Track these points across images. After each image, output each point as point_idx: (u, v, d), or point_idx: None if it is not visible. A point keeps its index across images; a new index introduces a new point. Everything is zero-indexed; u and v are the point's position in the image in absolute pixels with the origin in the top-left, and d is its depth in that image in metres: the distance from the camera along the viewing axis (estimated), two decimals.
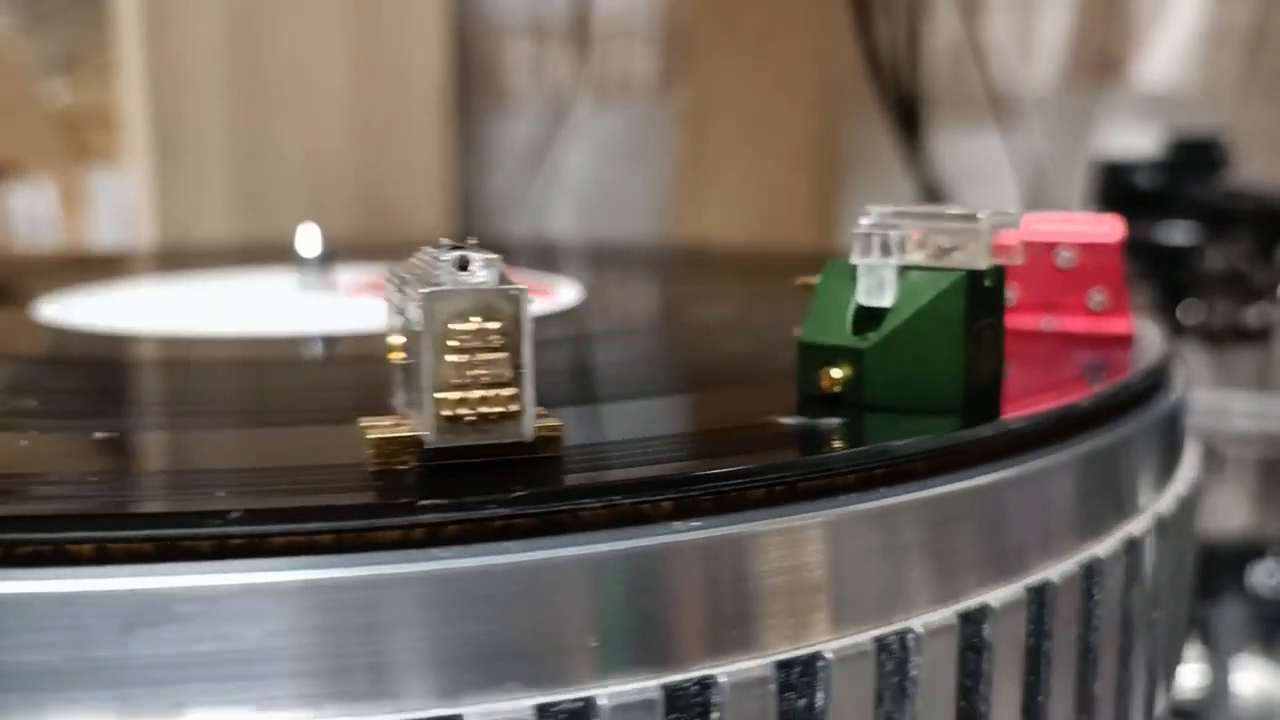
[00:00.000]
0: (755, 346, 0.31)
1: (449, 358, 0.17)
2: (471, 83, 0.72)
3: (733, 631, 0.18)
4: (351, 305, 0.36)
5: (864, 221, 0.22)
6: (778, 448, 0.21)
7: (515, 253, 0.56)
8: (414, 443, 0.18)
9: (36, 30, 0.58)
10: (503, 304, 0.17)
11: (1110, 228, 0.28)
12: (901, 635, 0.19)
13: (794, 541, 0.18)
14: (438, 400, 0.17)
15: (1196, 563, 0.29)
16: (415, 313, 0.17)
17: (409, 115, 0.65)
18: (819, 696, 0.18)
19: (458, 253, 0.17)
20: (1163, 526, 0.24)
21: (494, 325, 0.17)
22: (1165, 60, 0.61)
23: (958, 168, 0.62)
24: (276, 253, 0.40)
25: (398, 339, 0.19)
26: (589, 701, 0.17)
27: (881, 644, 0.19)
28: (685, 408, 0.25)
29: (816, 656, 0.18)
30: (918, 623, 0.19)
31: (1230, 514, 0.52)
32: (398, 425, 0.18)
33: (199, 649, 0.16)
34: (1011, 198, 0.61)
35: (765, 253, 0.55)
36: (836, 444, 0.21)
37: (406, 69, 0.65)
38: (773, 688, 0.18)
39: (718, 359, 0.30)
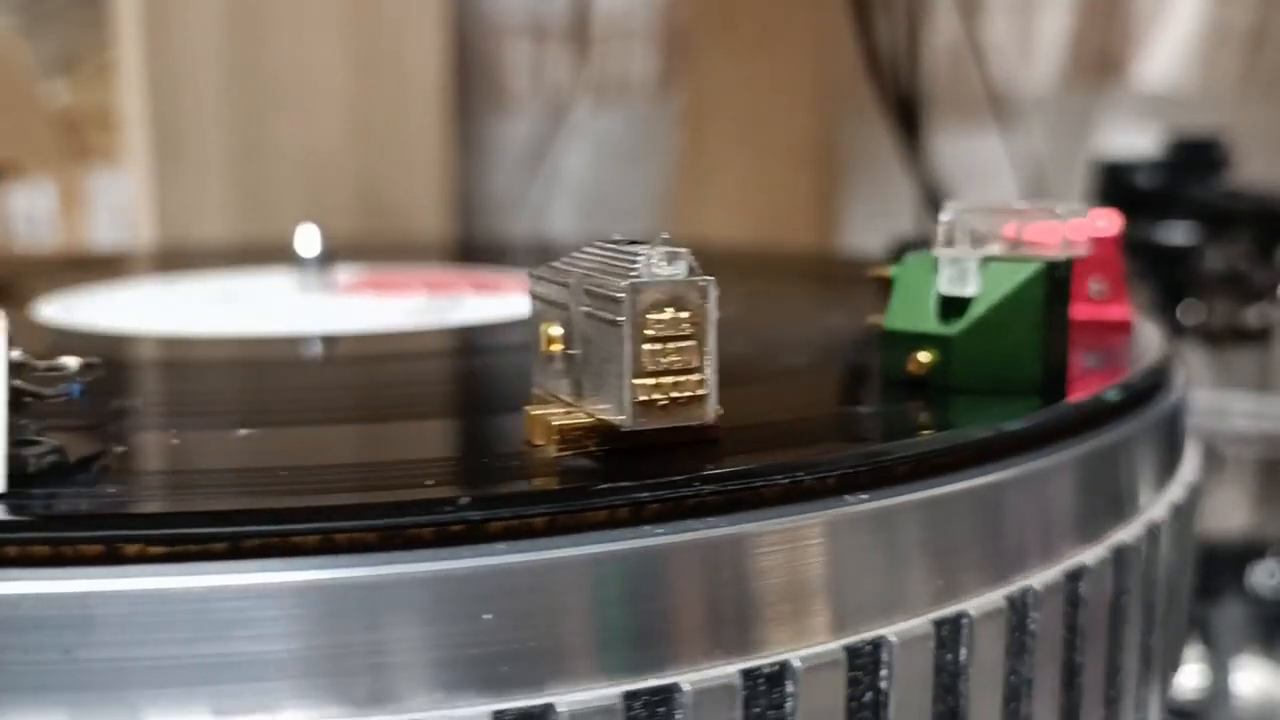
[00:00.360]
0: (755, 346, 0.31)
1: (645, 346, 0.18)
2: (471, 83, 0.72)
3: (731, 632, 0.18)
4: (351, 305, 0.36)
5: (946, 216, 0.24)
6: (778, 448, 0.21)
7: (514, 253, 0.56)
8: (604, 426, 0.19)
9: (36, 31, 0.58)
10: (693, 295, 0.18)
11: (1109, 222, 0.30)
12: (901, 637, 0.19)
13: (793, 542, 0.18)
14: (635, 386, 0.18)
15: (1196, 563, 0.29)
16: (603, 305, 0.18)
17: (408, 115, 0.65)
18: (818, 698, 0.18)
19: (662, 247, 0.19)
20: (1163, 527, 0.24)
21: (685, 315, 0.18)
22: (1165, 60, 0.61)
23: (957, 168, 0.62)
24: (276, 253, 0.40)
25: (556, 330, 0.19)
26: (610, 702, 0.17)
27: (878, 646, 0.19)
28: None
29: (816, 657, 0.18)
30: (916, 624, 0.19)
31: (1230, 514, 0.52)
32: (573, 412, 0.19)
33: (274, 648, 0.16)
34: (1011, 198, 0.61)
35: (765, 253, 0.55)
36: (836, 445, 0.21)
37: (406, 69, 0.65)
38: (772, 688, 0.18)
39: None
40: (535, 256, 0.51)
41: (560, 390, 0.20)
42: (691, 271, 0.18)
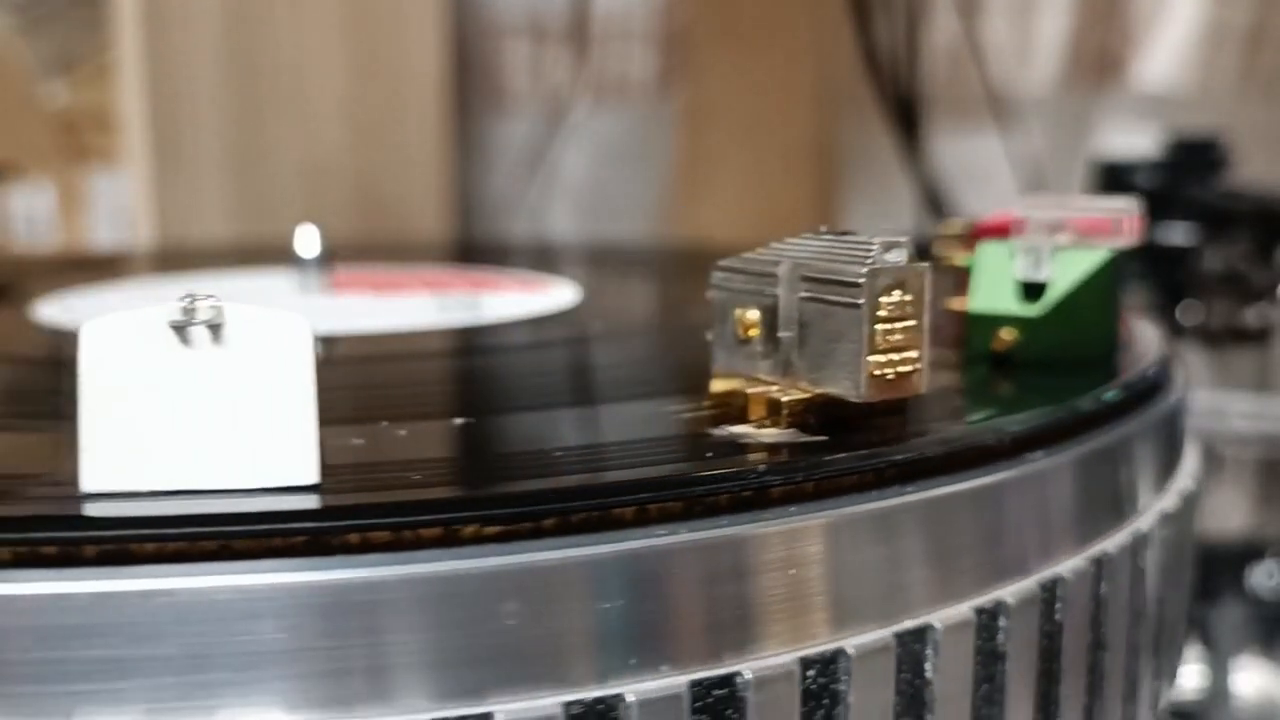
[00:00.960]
0: None
1: (878, 326, 0.20)
2: (470, 83, 0.72)
3: (730, 632, 0.18)
4: (350, 306, 0.36)
5: (1020, 210, 0.27)
6: (778, 448, 0.20)
7: (513, 253, 0.56)
8: (823, 400, 0.21)
9: (35, 31, 0.58)
10: (915, 279, 0.20)
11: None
12: (897, 638, 0.19)
13: (793, 543, 0.18)
14: (870, 363, 0.20)
15: (1196, 564, 0.29)
16: (835, 290, 0.20)
17: (407, 116, 0.65)
18: (823, 699, 0.18)
19: (882, 236, 0.20)
20: (1162, 528, 0.24)
21: (908, 298, 0.20)
22: (1164, 61, 0.61)
23: (956, 168, 0.62)
24: (275, 254, 0.40)
25: (753, 315, 0.21)
26: (609, 700, 0.17)
27: (875, 648, 0.19)
28: (684, 408, 0.25)
29: (814, 659, 0.18)
30: (916, 625, 0.19)
31: (1229, 515, 0.52)
32: (774, 388, 0.21)
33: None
34: (1010, 198, 0.61)
35: None
36: (837, 445, 0.21)
37: (404, 70, 0.65)
38: (778, 688, 0.18)
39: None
40: (534, 257, 0.51)
41: (758, 370, 0.21)
42: (911, 259, 0.20)
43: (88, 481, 0.17)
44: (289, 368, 0.17)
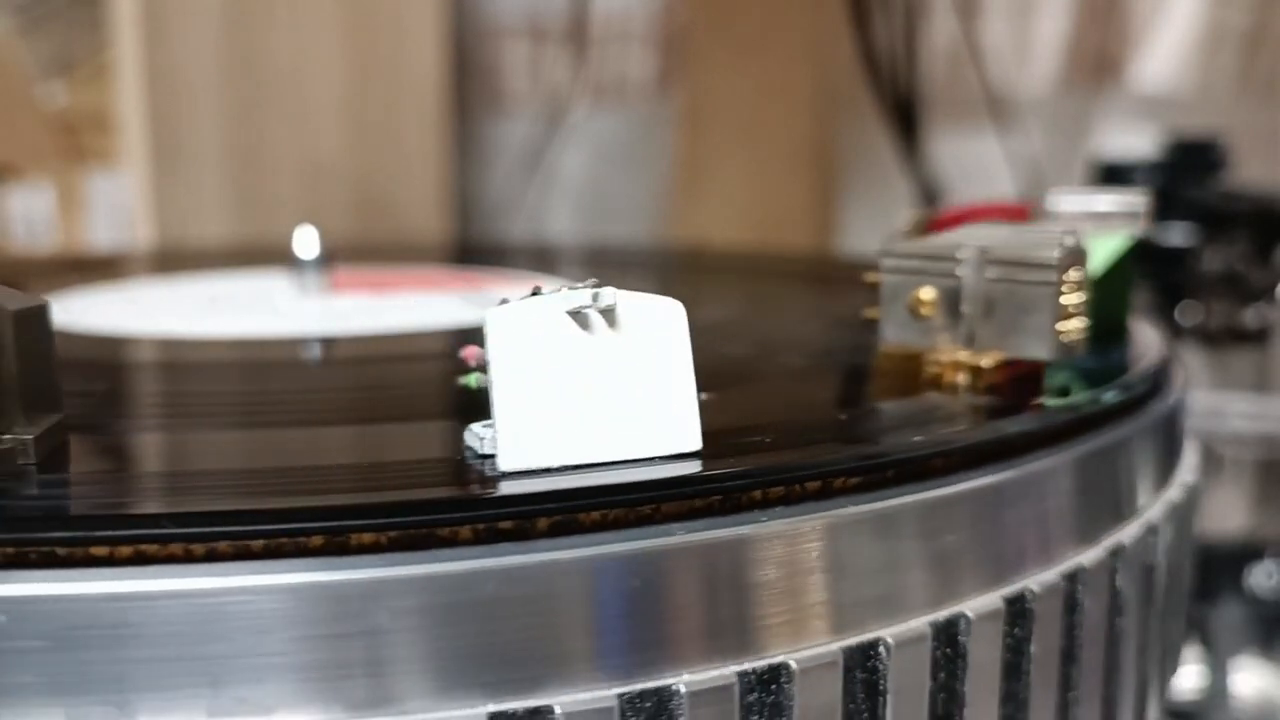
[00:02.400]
0: (753, 348, 0.31)
1: (1062, 299, 0.23)
2: (469, 84, 0.72)
3: (729, 633, 0.18)
4: (349, 306, 0.36)
5: (1053, 204, 0.31)
6: (778, 449, 0.21)
7: (512, 254, 0.56)
8: (1005, 365, 0.24)
9: (34, 32, 0.58)
10: (1082, 259, 0.24)
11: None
12: (897, 639, 0.19)
13: (791, 543, 0.18)
14: (1058, 330, 0.24)
15: (1195, 564, 0.29)
16: (1026, 270, 0.23)
17: (406, 117, 0.65)
18: (818, 699, 0.18)
19: (1059, 226, 0.25)
20: (1161, 528, 0.24)
21: (1079, 276, 0.24)
22: (1163, 62, 0.61)
23: (955, 169, 0.62)
24: (274, 254, 0.40)
25: (929, 293, 0.24)
26: (608, 702, 0.17)
27: (875, 647, 0.19)
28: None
29: (815, 659, 0.18)
30: (915, 625, 0.19)
31: (1228, 515, 0.52)
32: (960, 354, 0.24)
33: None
34: (1009, 199, 0.61)
35: (763, 254, 0.55)
36: (836, 445, 0.21)
37: (403, 70, 0.65)
38: (769, 690, 0.18)
39: (716, 360, 0.30)
40: (533, 257, 0.51)
41: (936, 341, 0.24)
42: (1076, 244, 0.24)
43: (506, 460, 0.18)
44: (674, 346, 0.19)
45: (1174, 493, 0.26)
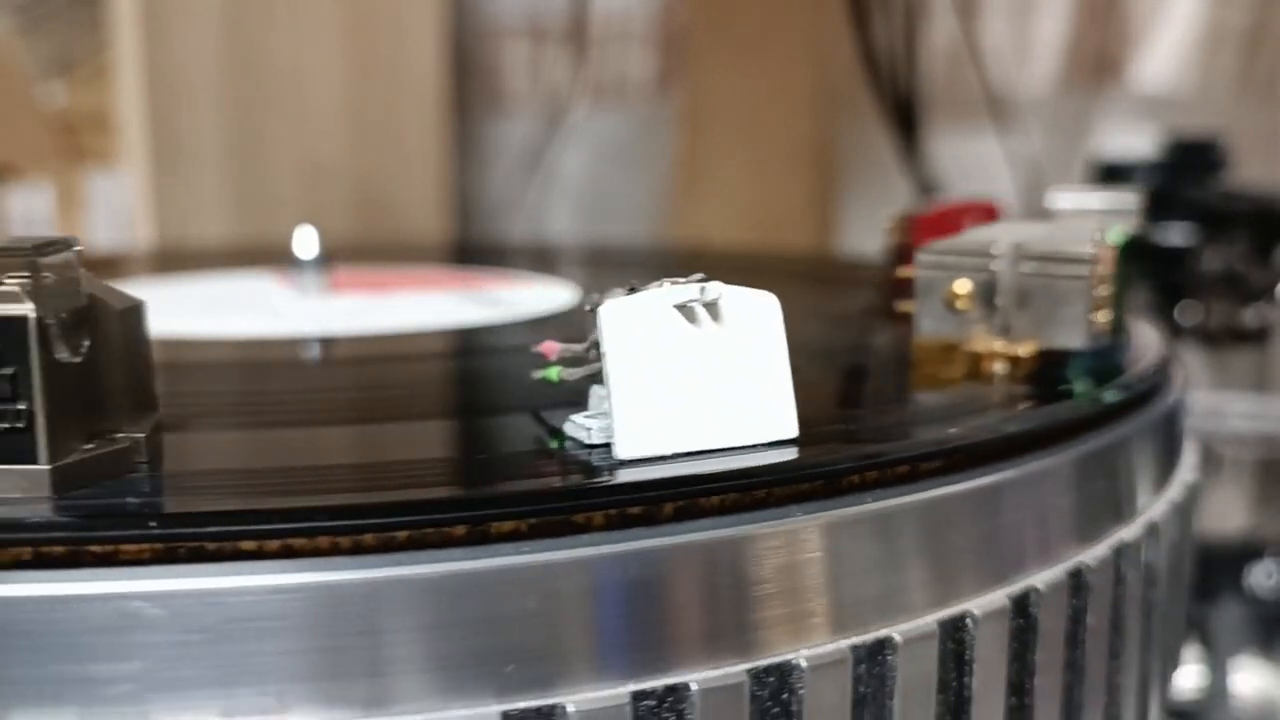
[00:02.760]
0: None
1: (1095, 290, 0.25)
2: (469, 84, 0.72)
3: (729, 633, 0.18)
4: (349, 306, 0.36)
5: (1056, 204, 0.32)
6: (778, 449, 0.21)
7: (512, 254, 0.56)
8: (1039, 353, 0.25)
9: (33, 32, 0.58)
10: (1110, 254, 0.26)
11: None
12: (896, 639, 0.19)
13: (793, 543, 0.18)
14: (1090, 320, 0.25)
15: (1194, 564, 0.29)
16: (1061, 265, 0.25)
17: (406, 117, 0.65)
18: (818, 700, 0.18)
19: (1089, 222, 0.26)
20: (1161, 528, 0.24)
21: (1109, 270, 0.25)
22: (1162, 61, 0.61)
23: (955, 169, 0.62)
24: (273, 254, 0.40)
25: (964, 286, 0.26)
26: (617, 703, 0.17)
27: (875, 647, 0.19)
28: None
29: (814, 659, 0.18)
30: (914, 625, 0.19)
31: (1228, 515, 0.52)
32: (999, 342, 0.26)
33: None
34: (1009, 199, 0.61)
35: (763, 254, 0.55)
36: (835, 446, 0.21)
37: (403, 70, 0.65)
38: (768, 692, 0.18)
39: None
40: (533, 257, 0.51)
41: (971, 333, 0.26)
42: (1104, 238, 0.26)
43: (623, 449, 0.19)
44: (771, 337, 0.20)
45: (1174, 492, 0.26)
